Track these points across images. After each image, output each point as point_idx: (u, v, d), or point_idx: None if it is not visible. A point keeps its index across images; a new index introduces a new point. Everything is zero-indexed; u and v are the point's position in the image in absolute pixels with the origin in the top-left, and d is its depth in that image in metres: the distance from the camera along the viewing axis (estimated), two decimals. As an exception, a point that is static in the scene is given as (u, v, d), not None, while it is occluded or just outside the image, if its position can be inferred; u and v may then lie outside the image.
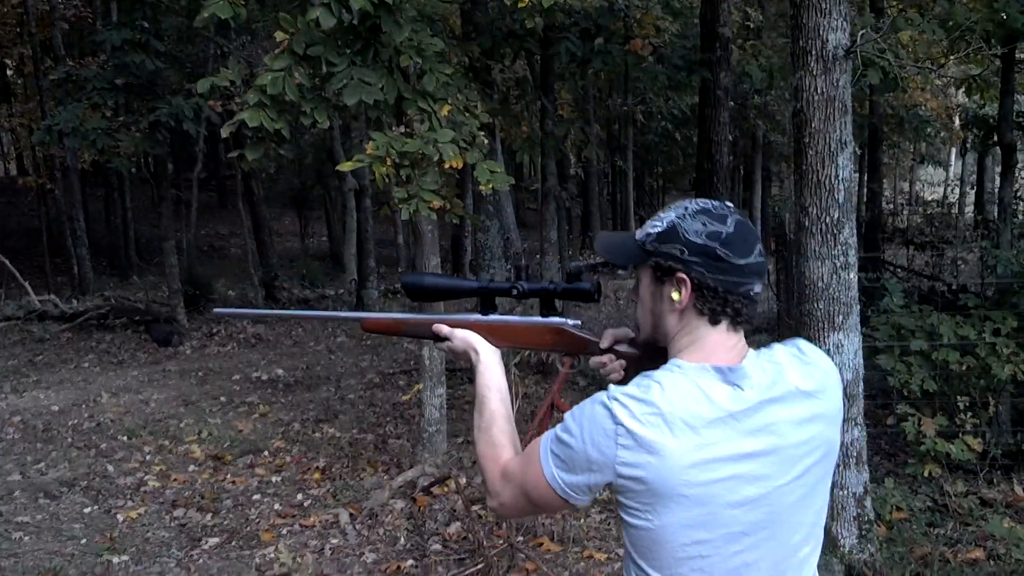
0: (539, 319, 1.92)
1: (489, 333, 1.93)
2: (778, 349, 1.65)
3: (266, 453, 7.21)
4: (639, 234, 1.69)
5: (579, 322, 1.93)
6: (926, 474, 5.53)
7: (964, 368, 5.51)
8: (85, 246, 16.32)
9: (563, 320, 1.91)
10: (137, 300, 13.93)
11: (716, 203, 1.63)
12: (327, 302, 15.77)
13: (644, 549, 1.59)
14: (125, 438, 7.70)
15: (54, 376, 10.28)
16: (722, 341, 1.62)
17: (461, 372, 8.66)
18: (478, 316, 1.95)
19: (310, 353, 11.85)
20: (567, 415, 1.60)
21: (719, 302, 1.60)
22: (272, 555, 5.22)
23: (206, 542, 5.47)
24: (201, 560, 5.23)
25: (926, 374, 5.55)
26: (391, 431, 7.73)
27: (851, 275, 4.49)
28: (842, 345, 4.49)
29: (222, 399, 9.15)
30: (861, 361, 4.61)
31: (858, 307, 4.58)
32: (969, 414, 5.54)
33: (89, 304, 13.58)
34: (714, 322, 1.61)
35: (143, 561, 5.23)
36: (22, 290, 13.41)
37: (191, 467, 6.93)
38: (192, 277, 14.74)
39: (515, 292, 1.90)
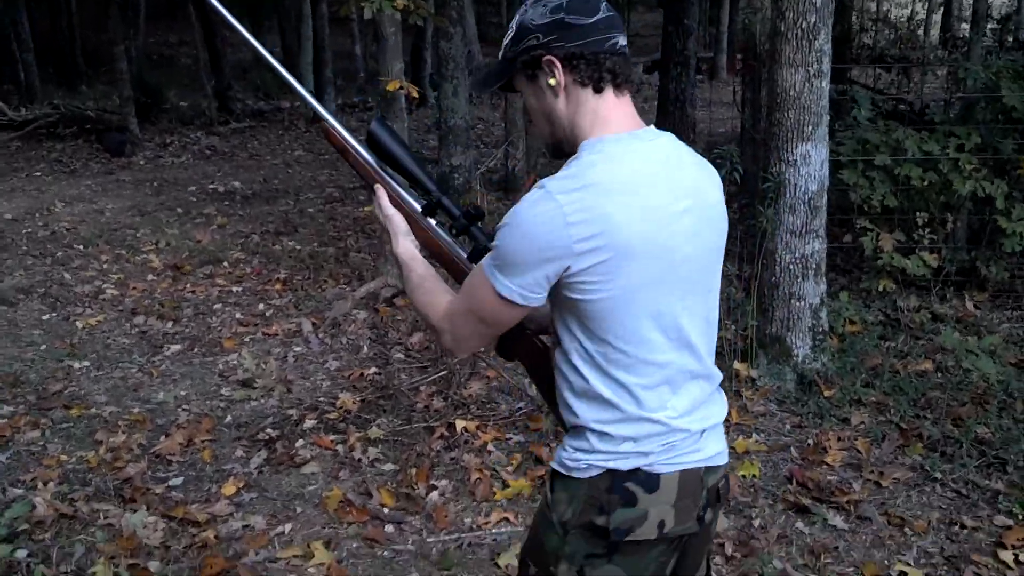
0: (463, 255, 1.87)
1: (416, 229, 1.89)
2: None
3: (225, 264, 7.16)
4: (500, 53, 1.71)
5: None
6: (880, 289, 5.63)
7: (925, 184, 5.52)
8: (31, 51, 15.61)
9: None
10: (87, 108, 13.46)
11: None
12: (282, 115, 15.39)
13: (599, 321, 1.57)
14: (81, 247, 7.60)
15: (5, 184, 10.04)
16: (617, 107, 1.63)
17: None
18: (419, 209, 1.90)
19: (267, 167, 11.64)
20: (499, 229, 1.56)
21: (592, 66, 1.60)
22: (235, 361, 5.25)
23: (168, 349, 5.48)
24: (164, 366, 5.25)
25: (887, 189, 5.57)
26: (352, 244, 7.69)
27: (823, 84, 4.40)
28: (809, 156, 4.45)
29: (178, 210, 9.02)
30: (827, 173, 4.59)
31: (827, 118, 4.51)
32: (927, 230, 5.60)
33: (38, 112, 13.12)
34: (598, 90, 1.62)
35: (104, 367, 5.23)
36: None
37: (149, 276, 6.87)
38: (143, 85, 14.23)
39: (454, 231, 1.86)
